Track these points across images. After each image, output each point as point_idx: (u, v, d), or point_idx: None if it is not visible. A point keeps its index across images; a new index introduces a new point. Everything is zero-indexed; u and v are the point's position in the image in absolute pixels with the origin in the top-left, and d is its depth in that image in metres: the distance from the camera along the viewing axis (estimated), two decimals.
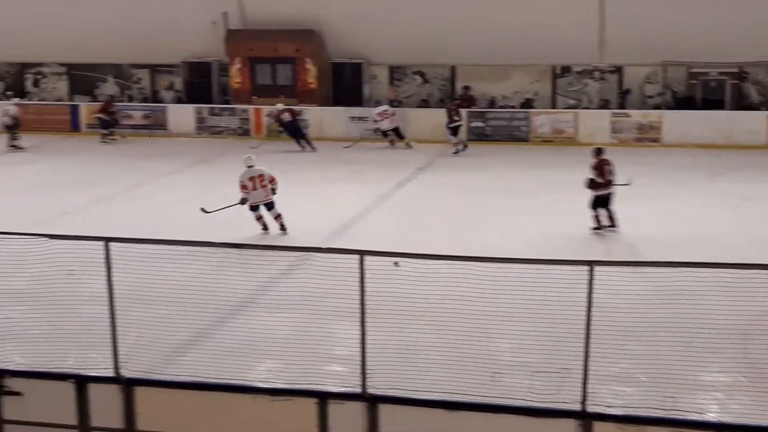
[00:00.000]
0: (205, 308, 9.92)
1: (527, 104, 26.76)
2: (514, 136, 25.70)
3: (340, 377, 8.74)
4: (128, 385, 8.66)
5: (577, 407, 7.89)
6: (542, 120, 25.70)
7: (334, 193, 19.02)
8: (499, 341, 8.84)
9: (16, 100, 27.35)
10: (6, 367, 8.89)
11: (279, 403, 8.40)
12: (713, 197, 18.46)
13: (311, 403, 8.33)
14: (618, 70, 26.31)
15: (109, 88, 29.60)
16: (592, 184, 15.11)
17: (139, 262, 8.79)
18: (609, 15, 25.11)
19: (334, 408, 8.30)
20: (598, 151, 15.55)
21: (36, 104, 29.17)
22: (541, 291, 8.91)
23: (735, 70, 25.50)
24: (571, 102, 26.62)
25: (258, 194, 15.71)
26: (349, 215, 16.88)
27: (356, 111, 26.59)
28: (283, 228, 15.64)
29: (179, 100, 28.48)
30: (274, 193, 15.73)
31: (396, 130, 25.05)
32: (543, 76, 26.76)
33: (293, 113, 25.11)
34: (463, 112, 25.60)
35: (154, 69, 29.25)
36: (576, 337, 8.03)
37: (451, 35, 25.99)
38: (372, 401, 8.21)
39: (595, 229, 15.07)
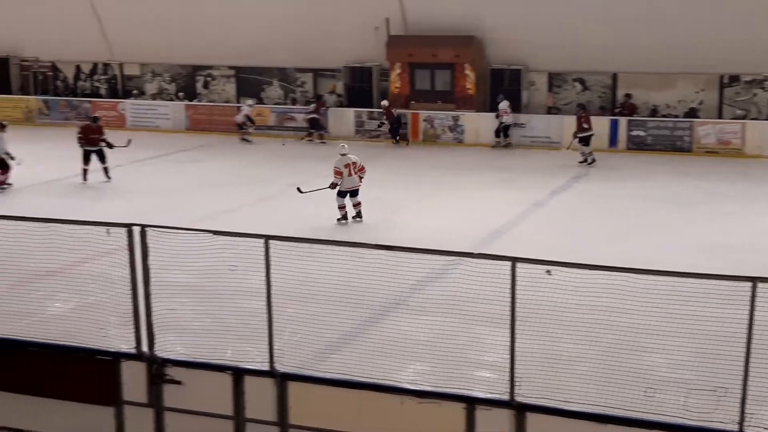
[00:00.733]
0: (357, 308, 10.10)
1: (691, 114, 25.87)
2: (677, 146, 24.91)
3: (488, 383, 8.72)
4: (282, 380, 8.90)
5: (735, 428, 7.60)
6: (707, 130, 24.79)
7: (486, 199, 18.97)
8: (653, 356, 8.62)
9: (251, 101, 28.75)
10: (168, 357, 9.29)
11: (426, 405, 8.46)
12: None
13: (459, 408, 8.35)
14: None
15: (274, 90, 30.49)
16: None
17: (297, 260, 9.03)
18: None
19: (481, 414, 8.30)
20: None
21: (205, 105, 30.38)
22: (699, 306, 8.64)
23: None
24: (739, 112, 25.55)
25: (352, 180, 16.83)
26: (502, 221, 16.80)
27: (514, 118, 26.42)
28: (359, 216, 16.88)
29: (341, 104, 29.07)
30: (361, 181, 16.93)
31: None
32: (709, 85, 25.79)
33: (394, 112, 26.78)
34: (624, 120, 25.08)
35: (317, 73, 29.95)
36: (735, 356, 7.74)
37: (613, 42, 25.41)
38: (520, 409, 8.16)
39: None
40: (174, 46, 30.18)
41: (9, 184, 20.39)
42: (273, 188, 20.30)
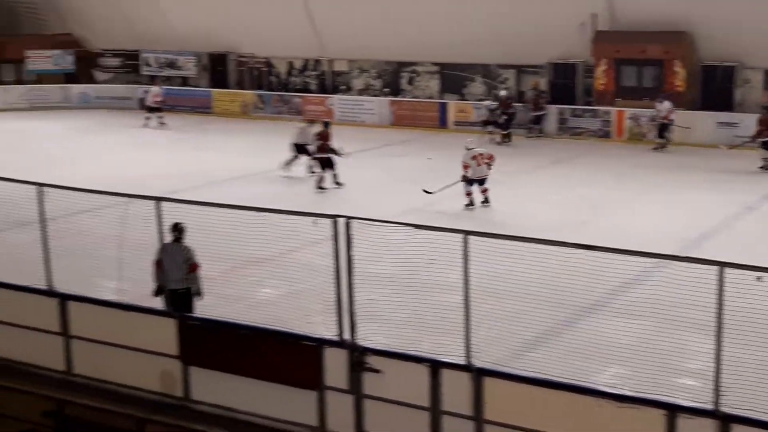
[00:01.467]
0: (556, 307, 10.03)
1: None
2: None
3: (691, 391, 8.45)
4: (478, 375, 8.96)
5: None
6: None
7: (693, 200, 18.31)
8: None
9: (492, 100, 28.01)
10: (369, 345, 9.55)
11: (625, 410, 8.29)
12: None
13: (659, 415, 8.14)
14: None
15: (477, 87, 30.58)
16: None
17: (495, 256, 9.06)
18: None
19: (683, 422, 8.05)
20: None
21: (409, 101, 30.87)
22: None
23: None
24: None
25: (480, 170, 18.06)
26: (709, 224, 16.16)
27: (725, 116, 25.29)
28: (487, 201, 18.13)
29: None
30: (489, 169, 18.07)
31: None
32: None
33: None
34: None
35: (521, 69, 29.77)
36: None
37: None
38: (725, 420, 7.87)
39: None
40: (381, 43, 30.78)
41: (339, 184, 20.05)
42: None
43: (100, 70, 37.09)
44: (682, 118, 25.21)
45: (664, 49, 26.12)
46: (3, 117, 32.40)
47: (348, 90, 32.84)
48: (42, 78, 36.55)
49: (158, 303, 10.76)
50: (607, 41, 26.97)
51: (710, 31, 25.66)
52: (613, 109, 26.83)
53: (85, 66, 37.06)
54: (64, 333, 11.23)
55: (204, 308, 10.82)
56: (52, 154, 24.27)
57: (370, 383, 9.48)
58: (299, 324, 10.07)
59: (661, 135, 24.96)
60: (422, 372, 9.19)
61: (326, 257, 9.76)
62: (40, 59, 36.16)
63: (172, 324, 10.51)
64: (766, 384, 8.01)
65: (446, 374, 9.11)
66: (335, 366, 9.63)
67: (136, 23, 35.06)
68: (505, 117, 26.65)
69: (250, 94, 33.50)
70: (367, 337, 9.65)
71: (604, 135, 26.86)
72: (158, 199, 10.58)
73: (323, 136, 20.27)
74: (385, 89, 32.03)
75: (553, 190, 19.64)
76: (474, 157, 18.06)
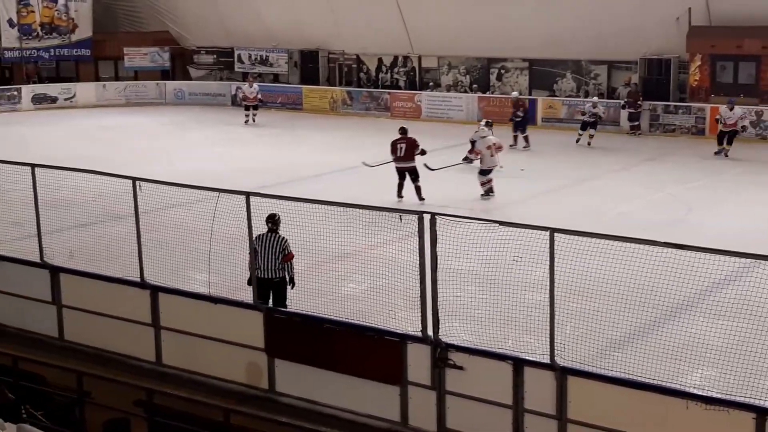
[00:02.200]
0: (642, 307, 9.86)
1: None
2: None
3: None
4: (562, 373, 8.88)
5: None
6: None
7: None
8: None
9: (596, 99, 26.65)
10: (452, 342, 9.55)
11: (713, 412, 8.12)
12: None
13: (748, 418, 7.95)
14: None
15: (567, 83, 30.23)
16: None
17: (582, 254, 8.96)
18: None
19: None
20: None
21: (498, 97, 30.67)
22: None
23: None
24: None
25: (493, 160, 18.14)
26: None
27: None
28: (490, 192, 18.08)
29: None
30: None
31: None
32: None
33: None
34: None
35: (612, 65, 29.32)
36: None
37: None
38: None
39: None
40: (470, 39, 30.68)
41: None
42: (558, 182, 20.16)
43: (194, 67, 37.95)
44: None
45: (762, 45, 25.39)
46: (101, 112, 33.39)
47: (436, 86, 32.82)
48: (139, 74, 37.59)
49: (248, 295, 10.94)
50: (703, 36, 26.34)
51: None
52: (708, 106, 26.19)
53: (181, 63, 38.01)
54: (155, 324, 11.53)
55: (290, 302, 10.97)
56: (147, 149, 24.88)
57: (452, 380, 9.48)
58: (383, 319, 10.13)
59: (721, 141, 23.14)
60: (505, 369, 9.15)
61: (411, 253, 9.79)
62: (137, 56, 37.21)
63: (259, 317, 10.69)
64: None
65: (529, 372, 9.05)
66: (418, 362, 9.66)
67: (230, 21, 35.71)
68: (518, 118, 25.46)
69: (339, 91, 33.76)
70: (450, 334, 9.66)
71: (698, 132, 26.25)
72: (248, 194, 10.76)
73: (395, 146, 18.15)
74: (474, 85, 31.90)
75: (646, 188, 19.29)
76: (489, 147, 18.09)
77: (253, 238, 10.88)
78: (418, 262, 9.66)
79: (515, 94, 27.05)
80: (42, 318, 12.55)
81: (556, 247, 8.92)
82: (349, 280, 12.28)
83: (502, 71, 31.63)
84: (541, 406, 9.01)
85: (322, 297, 11.05)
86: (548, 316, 9.05)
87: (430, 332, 9.62)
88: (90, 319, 12.12)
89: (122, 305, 11.80)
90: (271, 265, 10.88)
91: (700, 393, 8.31)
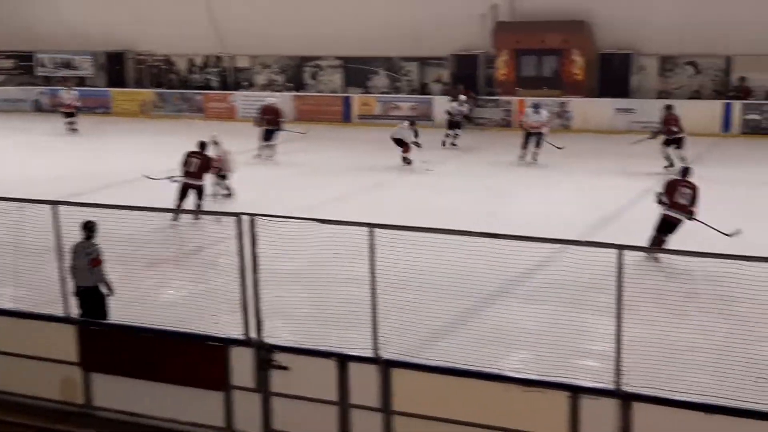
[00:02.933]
0: (461, 296, 10.09)
1: None
2: None
3: (593, 373, 8.60)
4: (386, 366, 8.96)
5: None
6: None
7: (597, 186, 18.68)
8: (766, 346, 8.34)
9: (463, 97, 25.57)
10: (276, 342, 9.46)
11: (530, 394, 8.39)
12: None
13: (563, 397, 8.26)
14: None
15: (380, 80, 30.65)
16: None
17: (401, 248, 9.06)
18: None
19: (586, 403, 8.18)
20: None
21: (313, 95, 30.75)
22: None
23: None
24: None
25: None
26: (612, 208, 16.53)
27: (623, 103, 25.91)
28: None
29: (446, 92, 29.00)
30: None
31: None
32: None
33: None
34: (738, 103, 24.35)
35: (423, 62, 29.96)
36: None
37: (727, 23, 24.66)
38: (626, 398, 8.02)
39: None
40: (283, 38, 30.65)
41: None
42: (382, 177, 20.43)
43: None
44: (579, 104, 25.73)
45: (563, 39, 26.63)
46: None
47: (250, 86, 32.56)
48: None
49: (60, 308, 10.45)
50: (508, 32, 27.35)
51: (607, 20, 26.30)
52: (515, 99, 27.21)
53: None
54: None
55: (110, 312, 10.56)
56: None
57: (277, 381, 9.39)
58: (205, 324, 9.90)
59: (527, 144, 22.09)
60: (330, 366, 9.13)
61: (231, 255, 9.62)
62: None
63: (71, 330, 10.22)
64: (664, 362, 8.20)
65: (353, 367, 9.07)
66: (242, 365, 9.50)
67: (30, 23, 34.06)
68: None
69: (149, 93, 32.89)
70: (273, 335, 9.56)
71: (506, 125, 27.22)
72: (54, 203, 10.27)
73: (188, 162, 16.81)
74: (288, 84, 31.85)
75: (461, 181, 19.82)
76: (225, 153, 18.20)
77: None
78: (238, 264, 9.51)
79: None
80: None
81: (375, 241, 8.98)
82: (168, 286, 11.95)
83: (316, 69, 31.72)
84: (367, 400, 9.05)
85: (141, 306, 10.69)
86: (370, 310, 9.10)
87: (253, 335, 9.48)
88: None
89: None
90: (83, 273, 10.48)
91: (517, 376, 8.57)
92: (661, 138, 20.20)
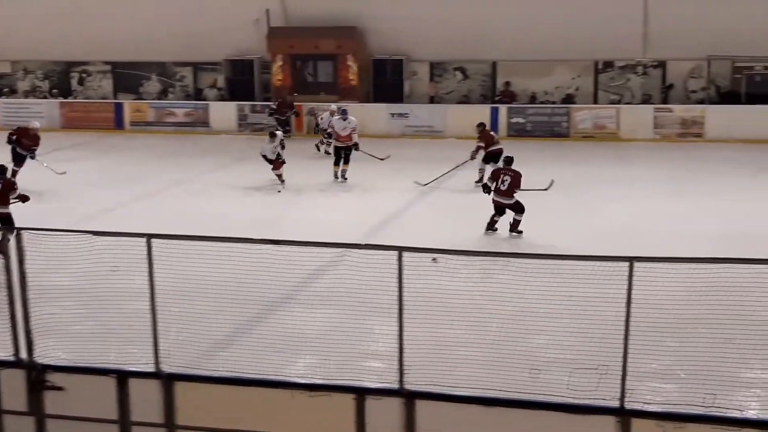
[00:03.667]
0: (244, 304, 9.99)
1: (568, 100, 26.57)
2: (555, 131, 25.57)
3: (377, 373, 8.75)
4: (168, 380, 8.75)
5: (616, 404, 7.84)
6: (583, 116, 25.52)
7: (376, 190, 19.05)
8: (537, 338, 8.80)
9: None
10: (49, 363, 9.01)
11: (317, 398, 8.44)
12: (756, 192, 18.21)
13: (349, 399, 8.36)
14: (661, 64, 26.04)
15: (153, 86, 29.90)
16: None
17: (181, 258, 8.86)
18: (653, 9, 24.91)
19: (371, 404, 8.33)
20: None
21: (81, 102, 29.56)
22: (580, 287, 8.88)
23: None
24: (613, 97, 26.39)
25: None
26: (389, 212, 16.91)
27: (397, 108, 26.60)
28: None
29: (222, 98, 28.70)
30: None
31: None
32: (585, 72, 26.57)
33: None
34: (504, 107, 25.64)
35: (197, 67, 29.50)
36: (615, 334, 7.98)
37: (492, 31, 25.93)
38: (409, 397, 8.23)
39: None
40: (47, 42, 29.32)
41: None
42: (153, 185, 19.91)
43: None
44: (354, 109, 26.18)
45: (336, 44, 26.99)
46: None
47: (12, 93, 30.85)
48: None
49: None
50: (282, 37, 27.42)
51: (379, 26, 26.93)
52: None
53: None
54: None
55: None
56: None
57: (52, 402, 8.95)
58: None
59: (338, 160, 20.30)
60: (109, 384, 8.81)
61: None
62: None
63: None
64: (445, 359, 8.48)
65: (134, 384, 8.80)
66: (12, 387, 8.99)
67: None
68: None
69: None
70: (46, 354, 9.10)
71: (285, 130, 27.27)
72: None
73: None
74: (54, 91, 30.46)
75: (240, 187, 19.61)
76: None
77: None
78: (4, 282, 8.98)
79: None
80: None
81: (155, 252, 8.74)
82: None
83: (84, 75, 30.52)
84: (149, 416, 8.80)
85: None
86: (151, 323, 8.85)
87: (23, 355, 8.98)
88: None
89: None
90: None
91: (303, 381, 8.60)
92: (481, 154, 19.27)
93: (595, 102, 26.31)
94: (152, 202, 18.36)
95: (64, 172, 19.39)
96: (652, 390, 8.31)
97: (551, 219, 15.92)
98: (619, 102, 26.17)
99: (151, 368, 8.81)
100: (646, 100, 25.98)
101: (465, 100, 27.42)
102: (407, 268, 8.21)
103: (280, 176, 19.11)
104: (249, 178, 20.62)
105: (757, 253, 10.30)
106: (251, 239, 8.91)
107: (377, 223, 15.89)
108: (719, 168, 20.73)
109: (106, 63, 30.22)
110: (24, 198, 14.33)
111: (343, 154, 19.90)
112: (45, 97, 30.35)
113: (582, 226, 15.11)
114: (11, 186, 14.44)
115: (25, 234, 8.89)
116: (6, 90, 30.84)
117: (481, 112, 24.84)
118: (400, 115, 26.38)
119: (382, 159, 21.12)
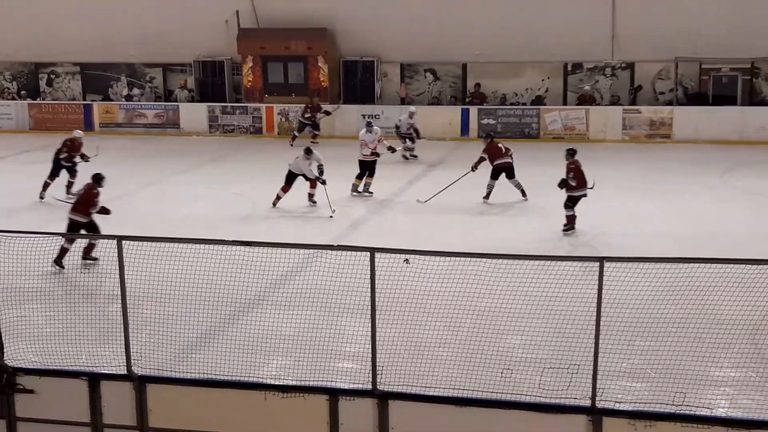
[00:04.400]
0: (217, 306, 9.98)
1: (538, 101, 26.71)
2: (525, 133, 25.68)
3: (350, 374, 8.78)
4: (140, 383, 8.71)
5: (587, 403, 7.90)
6: (553, 117, 25.66)
7: (348, 190, 19.03)
8: (509, 338, 8.86)
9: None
10: (19, 365, 8.94)
11: (290, 399, 8.43)
12: (724, 193, 18.42)
13: (322, 400, 8.37)
14: (629, 66, 26.23)
15: (122, 87, 29.70)
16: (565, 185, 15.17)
17: (152, 260, 8.84)
18: (621, 11, 25.08)
19: (344, 404, 8.34)
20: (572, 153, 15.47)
21: (50, 103, 29.29)
22: (551, 287, 8.96)
23: (747, 65, 25.41)
24: (586, 88, 26.53)
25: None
26: (361, 213, 16.92)
27: (368, 109, 26.60)
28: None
29: (192, 99, 28.56)
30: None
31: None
32: (554, 73, 26.71)
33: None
34: (474, 109, 25.74)
35: (167, 68, 29.34)
36: (586, 334, 8.05)
37: (462, 33, 26.02)
38: (382, 398, 8.24)
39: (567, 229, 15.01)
40: (14, 43, 29.01)
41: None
42: (124, 187, 19.76)
43: None
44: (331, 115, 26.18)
45: (307, 46, 26.93)
46: None
47: None
48: None
49: None
50: (252, 38, 27.32)
51: (350, 28, 26.90)
52: (263, 106, 27.26)
53: None
54: None
55: None
56: None
57: (22, 405, 8.88)
58: None
59: (363, 174, 19.01)
60: (80, 386, 8.75)
61: None
62: None
63: None
64: (418, 359, 8.51)
65: (106, 386, 8.75)
66: None
67: None
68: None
69: None
70: (17, 357, 9.02)
71: (256, 131, 27.22)
72: None
73: None
74: (22, 92, 30.17)
75: (210, 188, 19.53)
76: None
77: None
78: None
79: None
80: None
81: (125, 254, 8.71)
82: None
83: (52, 76, 30.26)
84: (121, 418, 8.76)
85: None
86: (122, 325, 8.81)
87: None
88: None
89: None
90: None
91: (276, 383, 8.59)
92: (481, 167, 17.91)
93: (565, 103, 26.46)
94: (123, 204, 18.21)
95: (97, 155, 18.96)
96: (623, 389, 8.40)
97: (522, 220, 16.02)
98: (591, 99, 26.27)
99: (122, 370, 8.76)
100: (615, 101, 26.16)
101: (436, 101, 27.47)
102: (380, 269, 8.22)
103: (312, 196, 17.49)
104: (220, 179, 20.56)
105: (726, 252, 10.47)
106: (223, 241, 8.90)
107: (350, 225, 15.89)
108: (687, 168, 20.93)
109: (75, 64, 29.97)
110: (105, 210, 13.12)
111: (368, 167, 18.91)
112: (13, 99, 30.04)
113: (552, 226, 15.19)
114: (95, 197, 13.13)
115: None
116: None
117: (451, 114, 24.93)
118: (372, 116, 26.11)
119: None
